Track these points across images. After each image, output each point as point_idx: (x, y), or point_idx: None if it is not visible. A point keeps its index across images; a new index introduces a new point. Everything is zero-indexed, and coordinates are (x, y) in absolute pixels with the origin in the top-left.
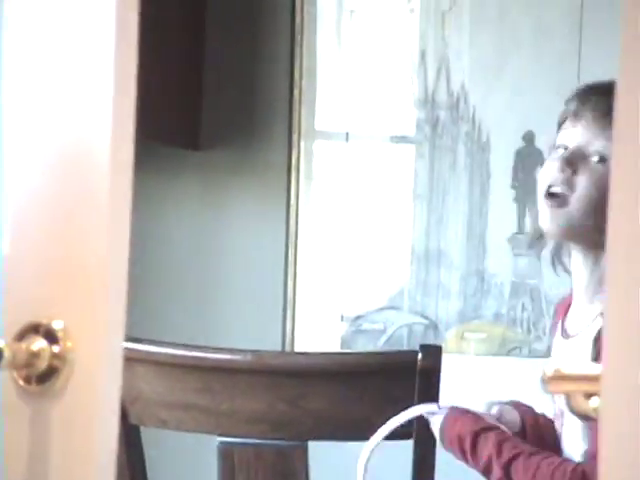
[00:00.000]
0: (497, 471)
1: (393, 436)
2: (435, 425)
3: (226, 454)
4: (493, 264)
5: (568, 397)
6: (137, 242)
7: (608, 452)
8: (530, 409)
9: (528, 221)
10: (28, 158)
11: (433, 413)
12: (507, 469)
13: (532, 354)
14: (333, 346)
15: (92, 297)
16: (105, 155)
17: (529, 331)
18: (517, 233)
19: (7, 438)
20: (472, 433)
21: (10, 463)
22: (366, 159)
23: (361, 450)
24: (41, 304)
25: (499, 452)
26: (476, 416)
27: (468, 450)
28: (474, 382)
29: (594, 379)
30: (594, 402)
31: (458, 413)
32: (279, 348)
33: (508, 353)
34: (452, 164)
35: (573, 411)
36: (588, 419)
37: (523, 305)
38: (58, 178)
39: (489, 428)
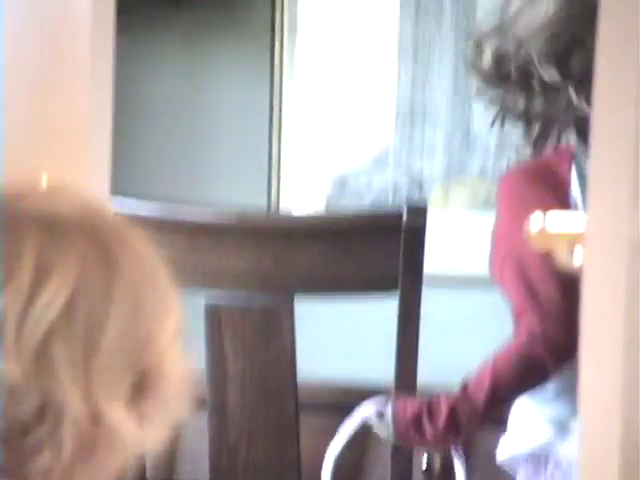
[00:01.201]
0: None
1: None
2: (383, 422)
3: (212, 314)
4: (479, 120)
5: (552, 253)
6: (121, 100)
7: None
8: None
9: None
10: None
11: (379, 412)
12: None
13: None
14: (318, 206)
15: (76, 155)
16: (87, 13)
17: None
18: None
19: None
20: (426, 404)
21: None
22: (351, 15)
23: (347, 307)
24: (24, 157)
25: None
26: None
27: (426, 421)
28: (459, 238)
29: (578, 234)
30: (578, 257)
31: (403, 400)
32: (264, 208)
33: (493, 209)
34: (438, 19)
35: (557, 267)
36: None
37: (509, 159)
38: (39, 35)
39: (438, 398)
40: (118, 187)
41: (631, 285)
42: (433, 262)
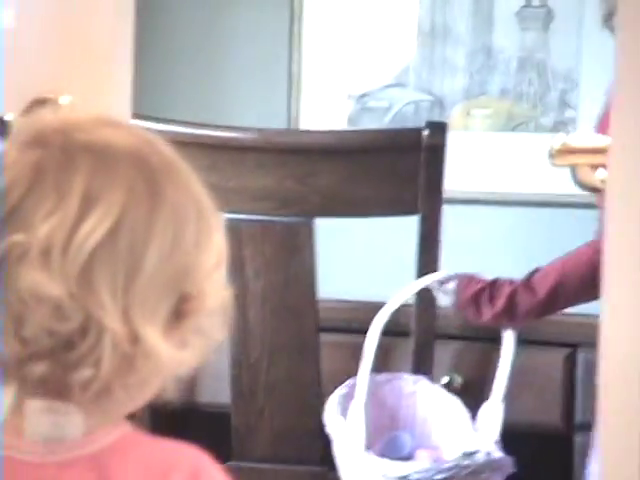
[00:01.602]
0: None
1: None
2: (446, 292)
3: (233, 230)
4: (500, 39)
5: (574, 170)
6: (143, 19)
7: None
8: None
9: None
10: None
11: (444, 280)
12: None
13: (538, 129)
14: (339, 125)
15: (99, 73)
16: None
17: (535, 106)
18: (525, 6)
19: None
20: (489, 285)
21: None
22: None
23: (365, 231)
24: (48, 79)
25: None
26: (484, 278)
27: (486, 300)
28: (480, 159)
29: (601, 151)
30: (600, 174)
31: (469, 276)
32: (285, 127)
33: (514, 129)
34: None
35: (579, 184)
36: (594, 191)
37: (530, 80)
38: None
39: (502, 281)
40: (140, 110)
41: None
42: (454, 182)
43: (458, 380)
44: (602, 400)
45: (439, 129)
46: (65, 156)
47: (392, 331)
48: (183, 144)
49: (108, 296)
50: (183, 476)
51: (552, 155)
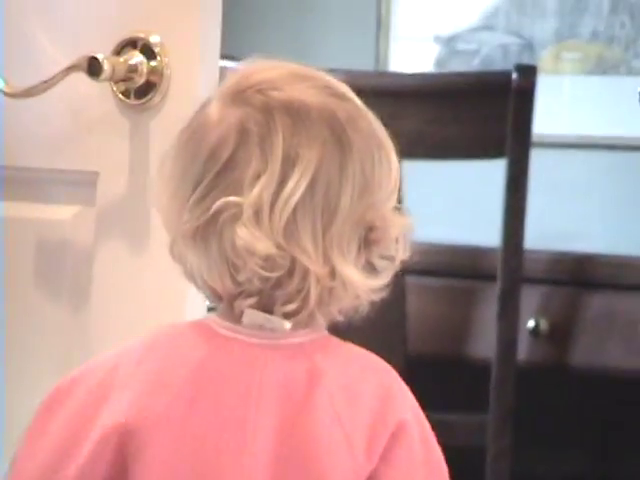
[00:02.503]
0: None
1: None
2: None
3: None
4: None
5: None
6: None
7: None
8: None
9: None
10: None
11: None
12: None
13: (630, 72)
14: (427, 67)
15: (188, 13)
16: None
17: (627, 49)
18: None
19: (108, 151)
20: None
21: (109, 174)
22: None
23: (452, 176)
24: (138, 19)
25: None
26: None
27: None
28: (570, 103)
29: None
30: None
31: None
32: (373, 69)
33: (605, 72)
34: None
35: None
36: None
37: (621, 22)
38: None
39: None
40: (228, 51)
41: None
42: (543, 124)
43: (545, 325)
44: None
45: (528, 72)
46: (265, 116)
47: (478, 275)
48: None
49: (310, 243)
50: (378, 379)
51: None
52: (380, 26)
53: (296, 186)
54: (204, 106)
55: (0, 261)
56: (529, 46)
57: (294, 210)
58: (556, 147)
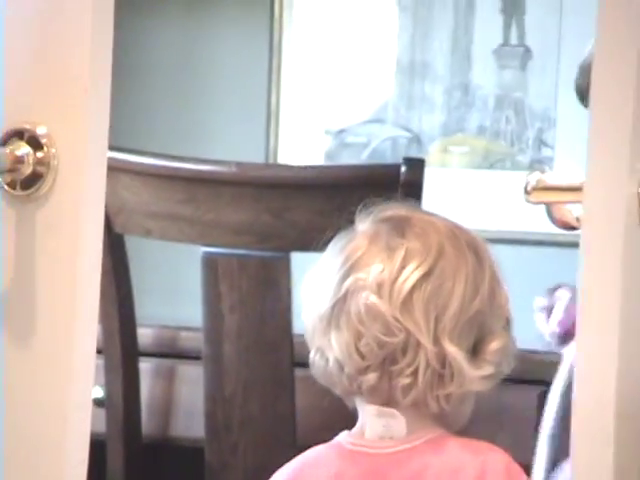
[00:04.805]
0: None
1: None
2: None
3: (210, 264)
4: (478, 76)
5: (550, 208)
6: (121, 51)
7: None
8: None
9: (514, 33)
10: None
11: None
12: None
13: (515, 167)
14: (317, 160)
15: (75, 104)
16: None
17: (512, 144)
18: (503, 45)
19: None
20: None
21: None
22: None
23: None
24: (24, 110)
25: None
26: None
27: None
28: (457, 195)
29: (576, 189)
30: (577, 212)
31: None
32: (263, 161)
33: (491, 166)
34: None
35: (555, 222)
36: (570, 229)
37: (507, 118)
38: None
39: None
40: (116, 143)
41: (629, 238)
42: None
43: None
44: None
45: (417, 166)
46: (396, 229)
47: None
48: (160, 177)
49: (423, 321)
50: (480, 461)
51: (527, 192)
52: (270, 118)
53: (412, 272)
54: None
55: None
56: (417, 139)
57: (410, 291)
58: None
